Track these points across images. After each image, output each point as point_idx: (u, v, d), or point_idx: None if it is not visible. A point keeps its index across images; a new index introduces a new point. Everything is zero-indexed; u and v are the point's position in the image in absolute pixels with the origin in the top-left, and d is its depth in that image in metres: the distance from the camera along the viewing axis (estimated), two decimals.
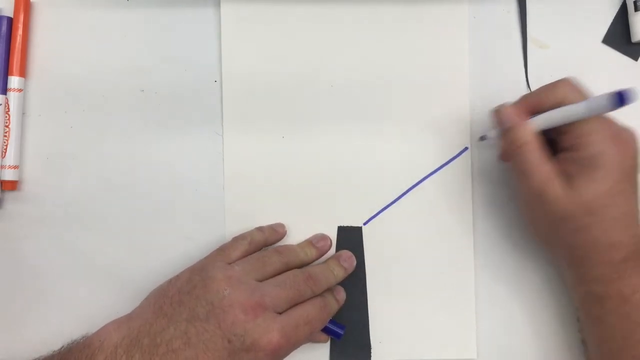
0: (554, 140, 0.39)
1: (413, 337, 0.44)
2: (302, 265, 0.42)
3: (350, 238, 0.44)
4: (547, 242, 0.40)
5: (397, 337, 0.44)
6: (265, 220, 0.44)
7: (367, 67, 0.45)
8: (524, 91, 0.45)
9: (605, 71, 0.45)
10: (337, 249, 0.44)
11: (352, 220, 0.44)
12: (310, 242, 0.43)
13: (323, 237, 0.43)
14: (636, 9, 0.44)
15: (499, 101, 0.45)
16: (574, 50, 0.45)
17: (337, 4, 0.45)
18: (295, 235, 0.44)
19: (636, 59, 0.45)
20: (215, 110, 0.45)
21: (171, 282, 0.39)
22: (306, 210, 0.44)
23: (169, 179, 0.45)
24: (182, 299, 0.37)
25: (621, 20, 0.45)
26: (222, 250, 0.41)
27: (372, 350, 0.44)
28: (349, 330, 0.43)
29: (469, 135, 0.45)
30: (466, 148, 0.45)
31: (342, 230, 0.44)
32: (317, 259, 0.43)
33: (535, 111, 0.39)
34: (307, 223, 0.44)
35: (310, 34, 0.45)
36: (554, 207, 0.37)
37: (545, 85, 0.39)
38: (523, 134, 0.38)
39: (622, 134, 0.37)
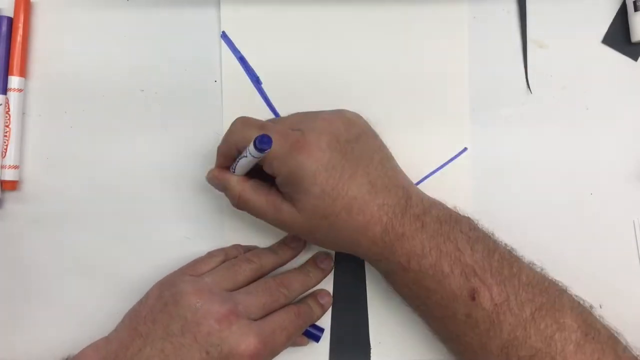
0: None
1: (413, 337, 0.44)
2: (275, 269, 0.42)
3: None
4: (325, 246, 0.42)
5: (397, 337, 0.44)
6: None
7: (366, 67, 0.45)
8: (524, 91, 0.45)
9: (605, 71, 0.45)
10: None
11: None
12: (284, 242, 0.43)
13: (296, 238, 0.43)
14: (636, 9, 0.44)
15: (498, 101, 0.45)
16: (573, 50, 0.45)
17: (337, 5, 0.45)
18: None
19: (636, 59, 0.45)
20: (215, 110, 0.45)
21: (142, 302, 0.39)
22: None
23: (169, 179, 0.45)
24: (155, 317, 0.37)
25: (621, 20, 0.45)
26: (193, 263, 0.41)
27: (372, 350, 0.44)
28: (349, 331, 0.44)
29: (468, 136, 0.45)
30: (465, 148, 0.45)
31: None
32: (291, 259, 0.43)
33: (233, 157, 0.39)
34: None
35: (309, 35, 0.45)
36: (297, 227, 0.38)
37: (227, 131, 0.39)
38: (233, 189, 0.40)
39: (309, 131, 0.37)
